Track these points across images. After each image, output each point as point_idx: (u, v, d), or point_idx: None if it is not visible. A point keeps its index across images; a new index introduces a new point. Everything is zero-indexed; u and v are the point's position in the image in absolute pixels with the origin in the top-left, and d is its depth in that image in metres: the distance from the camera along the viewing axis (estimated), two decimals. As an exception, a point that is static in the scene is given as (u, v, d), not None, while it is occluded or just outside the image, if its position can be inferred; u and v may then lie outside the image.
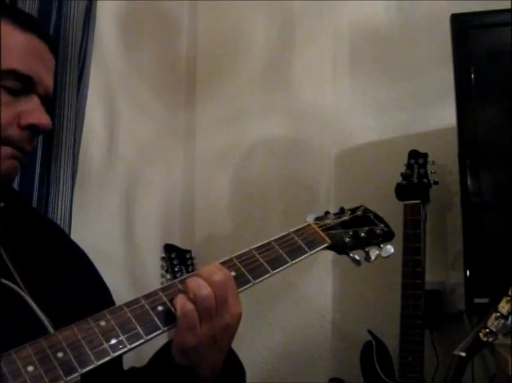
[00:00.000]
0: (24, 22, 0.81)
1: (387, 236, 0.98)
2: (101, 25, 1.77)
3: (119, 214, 1.94)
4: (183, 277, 0.75)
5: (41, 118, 0.80)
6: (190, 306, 0.70)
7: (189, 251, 2.02)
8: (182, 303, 0.71)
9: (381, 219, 1.01)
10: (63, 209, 1.46)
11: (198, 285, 0.71)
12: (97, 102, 1.82)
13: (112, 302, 0.89)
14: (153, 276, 2.00)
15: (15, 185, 1.33)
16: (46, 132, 0.83)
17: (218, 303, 0.72)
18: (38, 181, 1.42)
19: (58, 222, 1.44)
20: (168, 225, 2.18)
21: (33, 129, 0.80)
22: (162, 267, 1.98)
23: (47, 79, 0.82)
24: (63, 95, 1.48)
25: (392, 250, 0.96)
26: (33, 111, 0.79)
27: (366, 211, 1.01)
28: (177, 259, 1.96)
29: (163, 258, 1.99)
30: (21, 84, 0.78)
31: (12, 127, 0.78)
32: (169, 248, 2.00)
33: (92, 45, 1.60)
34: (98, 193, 1.82)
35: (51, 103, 0.85)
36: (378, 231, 0.97)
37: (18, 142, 0.79)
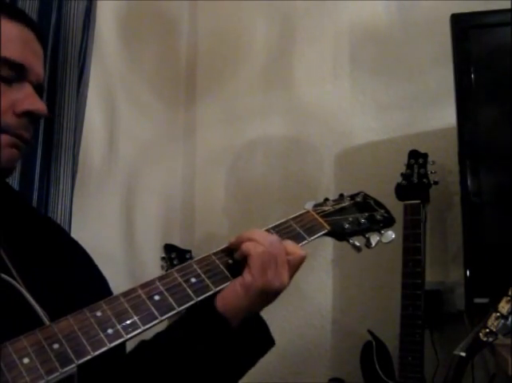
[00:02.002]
0: (10, 12, 0.82)
1: (388, 222, 0.97)
2: (101, 25, 1.76)
3: (119, 214, 1.94)
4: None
5: (36, 104, 0.80)
6: (261, 248, 0.76)
7: (189, 251, 2.02)
8: (253, 246, 0.76)
9: (382, 205, 1.00)
10: (63, 209, 1.46)
11: (265, 235, 0.78)
12: (97, 102, 1.82)
13: (109, 293, 0.89)
14: (153, 276, 1.99)
15: (15, 185, 1.33)
16: (42, 118, 0.84)
17: (283, 259, 0.77)
18: (38, 181, 1.42)
19: (58, 222, 1.44)
20: (168, 225, 2.18)
21: (30, 116, 0.80)
22: (162, 267, 1.99)
23: (38, 67, 0.83)
24: (63, 95, 1.48)
25: (393, 236, 0.94)
26: (27, 97, 0.79)
27: (366, 197, 1.00)
28: (177, 259, 1.97)
29: (163, 258, 1.99)
30: (14, 73, 0.79)
31: (8, 115, 0.78)
32: (169, 248, 2.00)
33: (92, 45, 1.60)
34: (98, 193, 1.82)
35: (43, 91, 0.85)
36: (378, 217, 0.96)
37: (16, 129, 0.79)
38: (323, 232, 0.89)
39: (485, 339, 1.14)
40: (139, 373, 0.80)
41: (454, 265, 1.82)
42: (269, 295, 0.78)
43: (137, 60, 2.06)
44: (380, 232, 0.95)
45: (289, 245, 0.81)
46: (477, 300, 1.50)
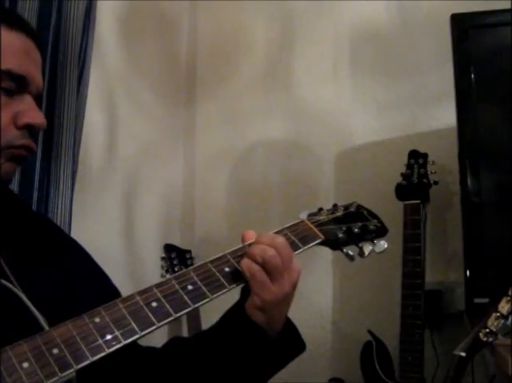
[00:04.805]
0: (10, 20, 0.81)
1: (381, 232, 0.98)
2: (101, 25, 1.77)
3: (119, 214, 1.94)
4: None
5: (36, 117, 0.80)
6: (256, 267, 0.78)
7: (189, 251, 2.02)
8: (248, 266, 0.78)
9: (374, 215, 1.01)
10: (63, 209, 1.46)
11: (263, 248, 0.79)
12: (97, 102, 1.82)
13: (115, 290, 0.91)
14: (153, 276, 2.00)
15: (15, 185, 1.33)
16: (42, 130, 0.84)
17: (285, 261, 0.79)
18: (38, 181, 1.42)
19: (58, 222, 1.44)
20: (168, 225, 2.19)
21: (29, 129, 0.80)
22: (162, 267, 1.99)
23: (38, 77, 0.82)
24: (63, 95, 1.48)
25: (386, 246, 0.96)
26: (28, 111, 0.79)
27: (359, 207, 1.01)
28: (177, 259, 1.97)
29: (163, 258, 2.00)
30: (15, 85, 0.78)
31: (10, 128, 0.78)
32: (169, 248, 2.00)
33: (92, 45, 1.60)
34: (98, 193, 1.82)
35: (41, 99, 0.85)
36: (371, 227, 0.97)
37: (18, 141, 0.78)
38: (317, 241, 0.90)
39: (485, 339, 1.14)
40: (174, 368, 0.85)
41: (454, 265, 1.82)
42: (287, 298, 0.81)
43: (137, 60, 2.06)
44: (372, 242, 0.96)
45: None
46: (477, 300, 1.49)
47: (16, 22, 0.82)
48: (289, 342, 0.86)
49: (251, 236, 0.83)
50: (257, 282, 0.78)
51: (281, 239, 0.81)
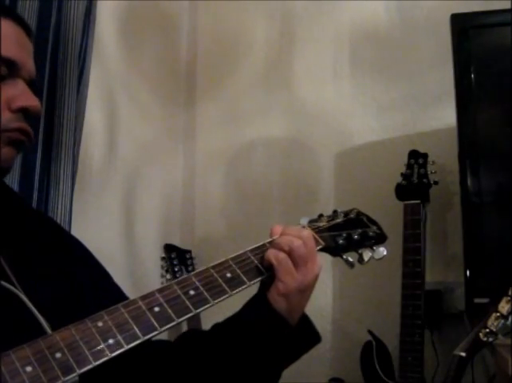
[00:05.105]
0: (0, 9, 0.83)
1: (380, 238, 0.99)
2: (101, 25, 1.77)
3: (119, 214, 1.94)
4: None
5: (30, 100, 0.81)
6: (282, 255, 0.82)
7: (189, 251, 2.02)
8: (274, 254, 0.83)
9: (374, 222, 1.02)
10: (63, 209, 1.46)
11: (290, 239, 0.83)
12: (97, 102, 1.82)
13: (117, 288, 0.92)
14: (153, 276, 2.00)
15: (15, 185, 1.33)
16: (38, 115, 0.83)
17: (309, 252, 0.84)
18: (38, 181, 1.42)
19: (58, 222, 1.44)
20: (168, 225, 2.18)
21: (24, 112, 0.80)
22: (162, 267, 1.99)
23: (29, 62, 0.84)
24: (63, 95, 1.48)
25: (385, 253, 0.97)
26: (21, 94, 0.80)
27: (359, 213, 1.02)
28: (177, 259, 1.97)
29: (163, 258, 2.00)
30: (7, 69, 0.79)
31: (4, 112, 0.78)
32: (169, 248, 2.00)
33: (92, 45, 1.60)
34: (98, 193, 1.82)
35: (36, 87, 0.85)
36: (371, 234, 0.98)
37: (13, 124, 0.79)
38: (317, 248, 0.91)
39: (485, 339, 1.14)
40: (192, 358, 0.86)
41: (454, 265, 1.82)
42: (308, 288, 0.84)
43: (137, 60, 2.06)
44: (372, 248, 0.97)
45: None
46: (477, 300, 1.49)
47: (4, 11, 0.84)
48: (306, 333, 0.89)
49: (278, 231, 0.87)
50: (282, 269, 0.81)
51: (306, 232, 0.86)
